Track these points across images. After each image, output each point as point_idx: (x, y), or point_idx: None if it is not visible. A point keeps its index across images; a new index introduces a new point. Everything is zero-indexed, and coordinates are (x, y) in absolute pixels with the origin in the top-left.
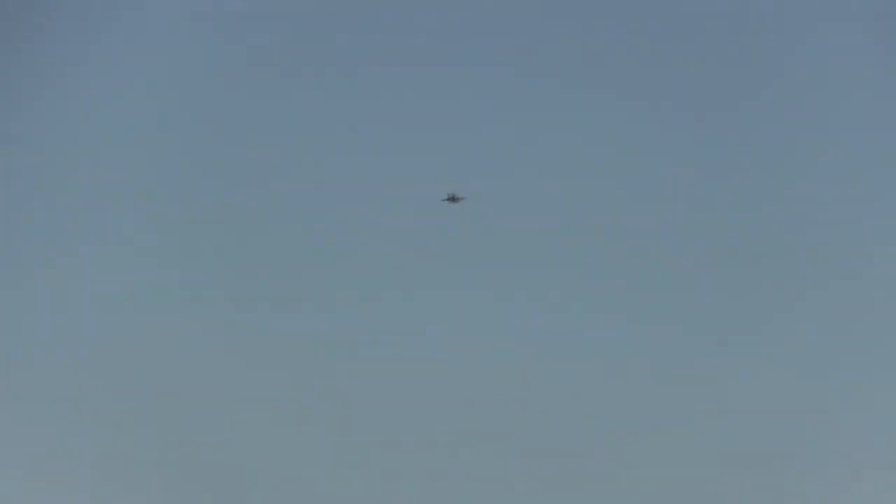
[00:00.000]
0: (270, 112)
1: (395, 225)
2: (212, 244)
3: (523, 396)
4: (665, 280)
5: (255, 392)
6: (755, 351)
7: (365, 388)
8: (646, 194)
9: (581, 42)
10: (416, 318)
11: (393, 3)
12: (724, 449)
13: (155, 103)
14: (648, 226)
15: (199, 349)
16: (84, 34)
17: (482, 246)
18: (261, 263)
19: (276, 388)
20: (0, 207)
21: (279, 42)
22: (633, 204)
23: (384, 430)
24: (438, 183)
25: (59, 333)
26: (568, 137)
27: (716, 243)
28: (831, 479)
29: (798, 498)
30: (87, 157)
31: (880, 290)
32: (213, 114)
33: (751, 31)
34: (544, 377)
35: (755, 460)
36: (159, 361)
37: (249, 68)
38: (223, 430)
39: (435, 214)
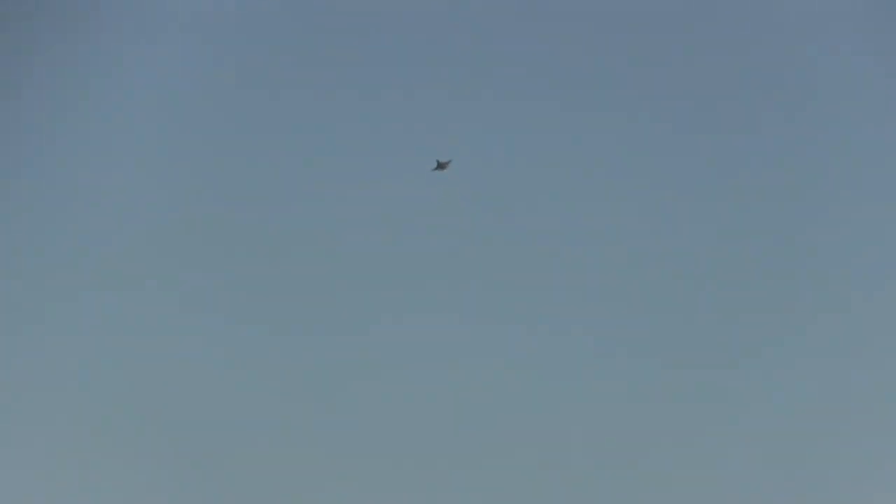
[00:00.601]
0: (268, 118)
1: (395, 230)
2: (210, 251)
3: (523, 401)
4: (667, 288)
5: (254, 402)
6: (756, 357)
7: (365, 396)
8: (645, 198)
9: (577, 42)
10: (415, 321)
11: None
12: (724, 459)
13: (153, 109)
14: (648, 231)
15: (197, 360)
16: (84, 35)
17: (483, 251)
18: (259, 271)
19: (275, 401)
20: None
21: (276, 45)
22: (632, 207)
23: (383, 439)
24: (439, 186)
25: (59, 338)
26: (565, 142)
27: (716, 247)
28: (834, 483)
29: None
30: (87, 160)
31: (884, 294)
32: (211, 121)
33: (752, 34)
34: (542, 383)
35: (761, 483)
36: (157, 373)
37: (247, 73)
38: (221, 441)
39: (434, 218)
